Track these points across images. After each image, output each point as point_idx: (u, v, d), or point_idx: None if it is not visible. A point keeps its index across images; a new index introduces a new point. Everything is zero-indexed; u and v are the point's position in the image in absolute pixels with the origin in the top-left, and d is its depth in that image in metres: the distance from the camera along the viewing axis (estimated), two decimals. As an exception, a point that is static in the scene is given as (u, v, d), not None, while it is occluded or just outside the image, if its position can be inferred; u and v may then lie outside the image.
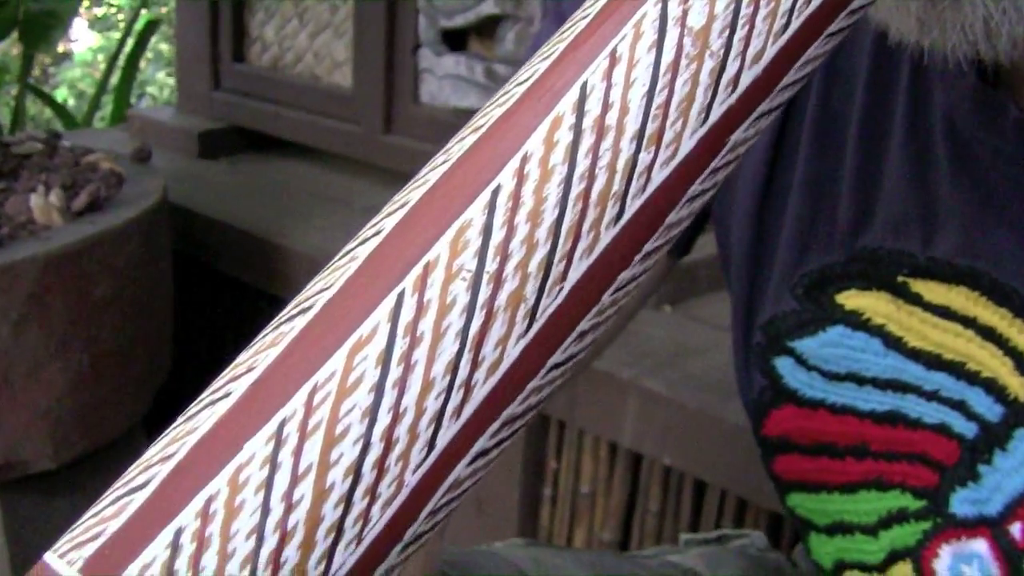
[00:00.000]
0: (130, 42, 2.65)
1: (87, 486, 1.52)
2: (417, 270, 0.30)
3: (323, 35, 1.97)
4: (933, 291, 0.57)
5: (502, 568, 0.71)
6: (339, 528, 0.29)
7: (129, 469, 0.31)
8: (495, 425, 0.31)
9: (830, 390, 0.62)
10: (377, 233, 0.32)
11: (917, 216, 0.58)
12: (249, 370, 0.30)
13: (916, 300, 0.59)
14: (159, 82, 4.43)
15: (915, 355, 0.59)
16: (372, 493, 0.29)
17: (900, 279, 0.59)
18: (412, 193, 0.32)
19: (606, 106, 0.32)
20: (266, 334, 0.32)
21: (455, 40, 1.76)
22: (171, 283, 1.60)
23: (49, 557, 0.29)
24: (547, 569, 0.72)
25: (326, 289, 0.31)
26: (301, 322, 0.31)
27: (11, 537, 1.43)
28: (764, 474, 1.16)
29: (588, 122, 0.31)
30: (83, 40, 4.81)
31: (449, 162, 0.32)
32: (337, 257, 0.33)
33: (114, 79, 2.71)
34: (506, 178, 0.31)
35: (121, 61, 2.61)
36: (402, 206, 0.32)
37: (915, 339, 0.59)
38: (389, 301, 0.30)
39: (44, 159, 1.59)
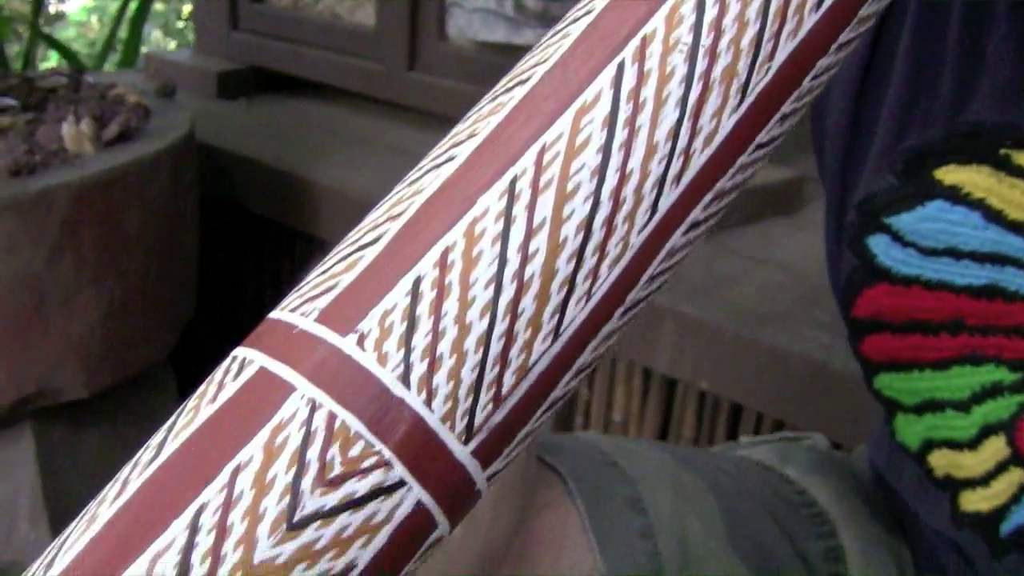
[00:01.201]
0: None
1: (116, 417, 1.52)
2: (635, 43, 0.31)
3: (344, -26, 1.96)
4: None
5: (583, 448, 0.71)
6: (571, 283, 0.29)
7: (350, 235, 0.31)
8: (708, 196, 0.32)
9: (926, 265, 0.62)
10: (588, 12, 0.32)
11: (1022, 88, 0.58)
12: (471, 136, 0.31)
13: (1019, 172, 0.59)
14: (154, 40, 4.40)
15: (1016, 227, 0.59)
16: (601, 251, 0.30)
17: (1002, 152, 0.59)
18: None
19: None
20: (482, 106, 0.32)
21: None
22: (197, 218, 1.59)
23: (277, 314, 0.29)
24: (625, 449, 0.72)
25: (542, 63, 0.31)
26: (520, 92, 0.31)
27: (42, 466, 1.43)
28: (801, 397, 1.17)
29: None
30: (76, 0, 4.79)
31: None
32: (547, 37, 0.33)
33: (120, 32, 2.70)
34: None
35: (130, 11, 2.60)
36: None
37: (1016, 211, 0.59)
38: (610, 70, 0.30)
39: (69, 93, 1.59)
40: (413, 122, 1.88)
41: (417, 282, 0.29)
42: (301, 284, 0.31)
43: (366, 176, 1.67)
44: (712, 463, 0.76)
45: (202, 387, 0.29)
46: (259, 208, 1.75)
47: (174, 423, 0.28)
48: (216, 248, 1.76)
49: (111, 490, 0.28)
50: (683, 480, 0.71)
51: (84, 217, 1.33)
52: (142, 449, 0.28)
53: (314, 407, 0.27)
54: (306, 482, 0.27)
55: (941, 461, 0.65)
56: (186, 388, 1.59)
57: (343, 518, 0.27)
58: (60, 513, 1.46)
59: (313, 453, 0.27)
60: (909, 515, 0.74)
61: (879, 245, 0.64)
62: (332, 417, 0.27)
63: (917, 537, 0.74)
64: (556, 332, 0.29)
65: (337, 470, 0.27)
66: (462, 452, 0.28)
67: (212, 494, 0.26)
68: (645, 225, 0.30)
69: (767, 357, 1.21)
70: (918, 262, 0.63)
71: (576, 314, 0.30)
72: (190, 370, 1.71)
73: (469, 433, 0.28)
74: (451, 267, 0.29)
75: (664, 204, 0.31)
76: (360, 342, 0.28)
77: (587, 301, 0.30)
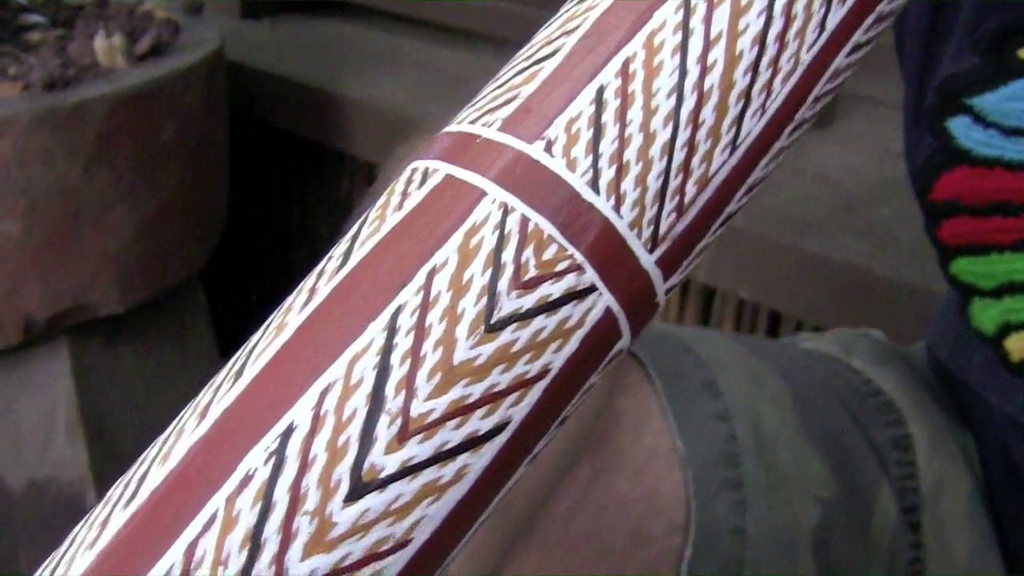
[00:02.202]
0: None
1: (149, 333, 1.52)
2: None
3: None
4: None
5: (657, 334, 0.71)
6: (747, 96, 0.29)
7: (521, 52, 0.31)
8: (871, 17, 0.31)
9: (1008, 146, 0.62)
10: None
11: None
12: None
13: None
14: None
15: None
16: (774, 65, 0.30)
17: None
18: None
19: None
20: None
21: None
22: (227, 135, 1.59)
23: (453, 128, 0.29)
24: (698, 336, 0.73)
25: None
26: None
27: (78, 382, 1.43)
28: (841, 304, 1.17)
29: None
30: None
31: None
32: None
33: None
34: None
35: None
36: None
37: None
38: None
39: (97, 10, 1.58)
40: (439, 39, 1.86)
41: (600, 91, 0.28)
42: (474, 101, 0.30)
43: (393, 92, 1.66)
44: (781, 352, 0.76)
45: (382, 199, 0.29)
46: (286, 125, 1.75)
47: (357, 233, 0.28)
48: (243, 166, 1.75)
49: (297, 299, 0.28)
50: (754, 366, 0.71)
51: (119, 130, 1.33)
52: (325, 259, 0.28)
53: (506, 210, 0.27)
54: (502, 284, 0.27)
55: (1018, 344, 0.65)
56: (216, 306, 1.59)
57: (538, 321, 0.27)
58: (96, 428, 1.47)
59: (508, 255, 0.27)
60: (976, 404, 0.74)
61: (959, 127, 0.64)
62: (525, 220, 0.27)
63: (983, 427, 0.74)
64: (733, 144, 0.29)
65: (532, 272, 0.27)
66: (647, 260, 0.28)
67: (409, 296, 0.26)
68: (814, 43, 0.30)
69: (807, 264, 1.21)
70: (1000, 143, 0.62)
71: (752, 127, 0.30)
72: (219, 288, 1.71)
73: (654, 241, 0.28)
74: (633, 76, 0.29)
75: (831, 22, 0.30)
76: (548, 148, 0.28)
77: (761, 115, 0.30)
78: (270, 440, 0.25)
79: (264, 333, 0.28)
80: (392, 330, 0.26)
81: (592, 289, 0.27)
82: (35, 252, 1.32)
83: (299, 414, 0.26)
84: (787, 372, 0.72)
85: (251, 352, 0.27)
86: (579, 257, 0.27)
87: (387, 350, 0.26)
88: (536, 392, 0.27)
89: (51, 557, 0.27)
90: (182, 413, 0.28)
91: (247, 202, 1.84)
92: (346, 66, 1.78)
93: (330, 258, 0.28)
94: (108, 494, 0.27)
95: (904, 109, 0.68)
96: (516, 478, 0.28)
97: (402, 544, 0.26)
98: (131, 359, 1.51)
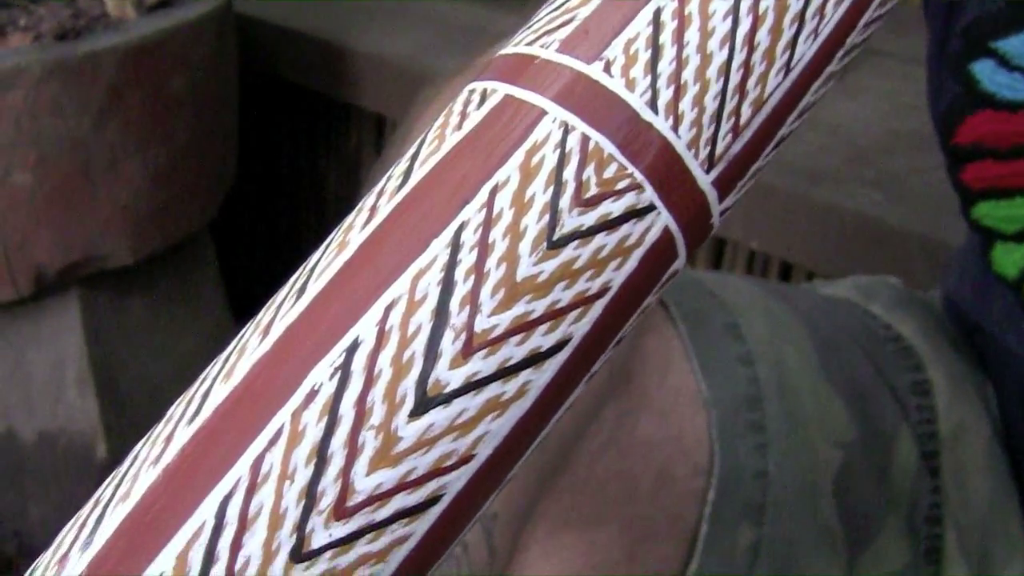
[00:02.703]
0: None
1: (159, 285, 1.52)
2: None
3: None
4: None
5: (680, 277, 0.71)
6: (801, 19, 0.29)
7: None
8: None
9: None
10: None
11: None
12: None
13: None
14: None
15: None
16: (828, -10, 0.30)
17: None
18: None
19: None
20: None
21: None
22: (237, 87, 1.58)
23: (509, 50, 0.29)
24: (719, 280, 0.73)
25: None
26: None
27: (89, 333, 1.44)
28: (854, 254, 1.17)
29: None
30: None
31: None
32: None
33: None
34: None
35: None
36: None
37: None
38: None
39: (105, -40, 1.57)
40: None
41: (658, 12, 0.28)
42: (529, 24, 0.30)
43: (402, 44, 1.66)
44: (801, 297, 0.76)
45: (440, 119, 0.29)
46: (295, 78, 1.74)
47: (417, 152, 0.28)
48: (252, 119, 1.75)
49: (358, 218, 0.28)
50: (776, 311, 0.71)
51: (130, 81, 1.32)
52: (384, 179, 0.28)
53: (567, 130, 0.27)
54: (564, 201, 0.27)
55: None
56: (225, 259, 1.60)
57: (599, 238, 0.27)
58: (106, 380, 1.47)
59: (569, 173, 0.27)
60: (996, 350, 0.74)
61: (984, 71, 0.64)
62: (585, 139, 0.27)
63: (1002, 372, 0.74)
64: (788, 67, 0.29)
65: (593, 190, 0.27)
66: (704, 180, 0.28)
67: (471, 213, 0.27)
68: None
69: (819, 214, 1.21)
70: None
71: (805, 51, 0.30)
72: (229, 240, 1.71)
73: (711, 162, 0.28)
74: None
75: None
76: (607, 68, 0.28)
77: (815, 38, 0.30)
78: (335, 355, 0.26)
79: (325, 252, 0.28)
80: (456, 246, 0.26)
81: (651, 208, 0.28)
82: (46, 204, 1.32)
83: (364, 330, 0.26)
84: (808, 317, 0.73)
85: (312, 270, 0.27)
86: (639, 176, 0.27)
87: (451, 266, 0.26)
88: (596, 310, 0.27)
89: (113, 474, 0.27)
90: (243, 331, 0.28)
91: (256, 155, 1.84)
92: (355, 19, 1.77)
93: (389, 178, 0.28)
94: (169, 412, 0.28)
95: (927, 54, 0.68)
96: (574, 396, 0.28)
97: (465, 459, 0.26)
98: (141, 311, 1.51)
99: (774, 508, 0.66)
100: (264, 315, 0.27)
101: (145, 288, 1.50)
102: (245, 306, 1.69)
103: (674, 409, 0.64)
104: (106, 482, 0.27)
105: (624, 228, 0.27)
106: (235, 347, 0.27)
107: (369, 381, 0.25)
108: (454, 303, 0.26)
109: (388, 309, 0.26)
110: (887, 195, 1.22)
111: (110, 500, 0.26)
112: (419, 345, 0.26)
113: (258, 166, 1.84)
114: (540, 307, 0.26)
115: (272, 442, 0.25)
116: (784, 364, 0.68)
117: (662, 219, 0.28)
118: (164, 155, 1.41)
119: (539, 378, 0.27)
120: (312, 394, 0.25)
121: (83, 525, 0.26)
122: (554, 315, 0.26)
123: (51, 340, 1.45)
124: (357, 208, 0.28)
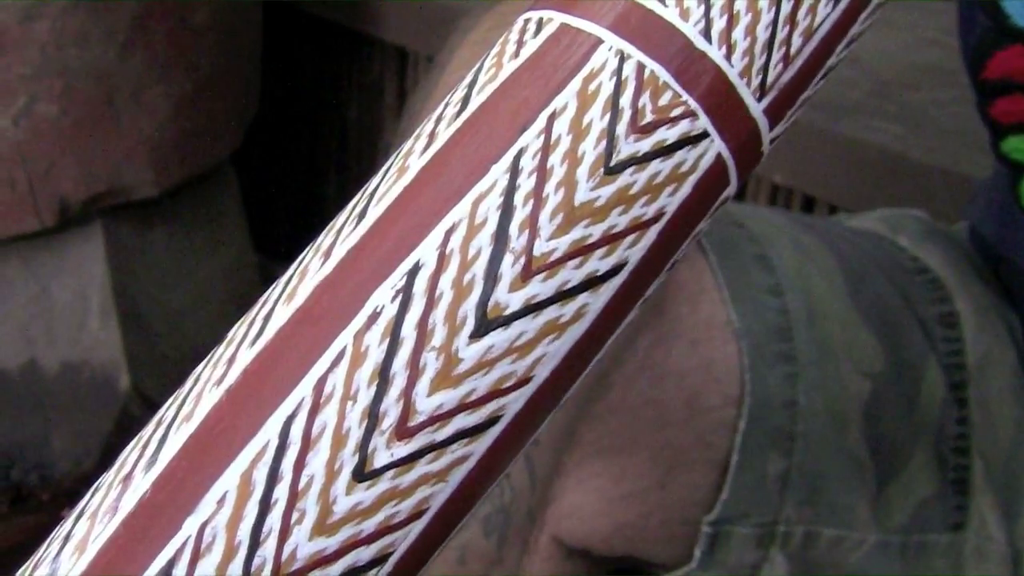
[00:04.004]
0: None
1: (182, 217, 1.53)
2: None
3: None
4: None
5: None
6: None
7: None
8: None
9: None
10: None
11: None
12: None
13: None
14: None
15: None
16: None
17: None
18: None
19: None
20: None
21: None
22: (260, 19, 1.58)
23: None
24: (747, 211, 0.73)
25: None
26: None
27: (112, 265, 1.44)
28: (876, 188, 1.17)
29: None
30: None
31: None
32: None
33: None
34: None
35: None
36: None
37: None
38: None
39: None
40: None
41: None
42: None
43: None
44: (828, 228, 0.76)
45: (496, 48, 0.29)
46: (318, 10, 1.73)
47: (474, 80, 0.29)
48: (275, 51, 1.75)
49: (416, 143, 0.28)
50: (804, 241, 0.72)
51: (154, 11, 1.32)
52: (441, 106, 0.29)
53: (623, 58, 0.28)
54: (620, 128, 0.27)
55: None
56: (248, 191, 1.60)
57: (655, 164, 0.27)
58: (129, 311, 1.48)
59: (625, 100, 0.27)
60: (1021, 281, 0.74)
61: (1014, 5, 0.63)
62: (641, 67, 0.28)
63: (1028, 305, 0.75)
64: (837, -3, 0.30)
65: (649, 117, 0.27)
66: (756, 108, 0.29)
67: (530, 139, 0.27)
68: None
69: (841, 147, 1.21)
70: None
71: None
72: (251, 172, 1.71)
73: (762, 90, 0.29)
74: None
75: None
76: (661, -2, 0.28)
77: None
78: (397, 278, 0.26)
79: (384, 177, 0.28)
80: (515, 172, 0.27)
81: (705, 135, 0.28)
82: (71, 133, 1.32)
83: (425, 253, 0.26)
84: (835, 247, 0.73)
85: (372, 195, 0.28)
86: (693, 103, 0.28)
87: (510, 191, 0.27)
88: (652, 234, 0.28)
89: (175, 395, 0.28)
90: (303, 255, 0.28)
91: (279, 87, 1.84)
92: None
93: (447, 104, 0.29)
94: (230, 334, 0.28)
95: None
96: (628, 320, 0.29)
97: (524, 381, 0.27)
98: (164, 242, 1.51)
99: (803, 438, 0.66)
100: (324, 239, 0.28)
101: (168, 219, 1.51)
102: (266, 237, 1.69)
103: (705, 338, 0.64)
104: (168, 403, 0.28)
105: (679, 155, 0.28)
106: (295, 270, 0.28)
107: (430, 303, 0.26)
108: (514, 227, 0.26)
109: (449, 233, 0.26)
110: (909, 128, 1.22)
111: (173, 420, 0.27)
112: (479, 268, 0.26)
113: (280, 98, 1.84)
114: (597, 232, 0.27)
115: (335, 363, 0.26)
116: (813, 294, 0.69)
117: (715, 146, 0.28)
118: (188, 85, 1.41)
119: (595, 301, 0.27)
120: (374, 316, 0.26)
121: (146, 445, 0.27)
122: (611, 240, 0.27)
123: (74, 271, 1.46)
124: (415, 134, 0.29)
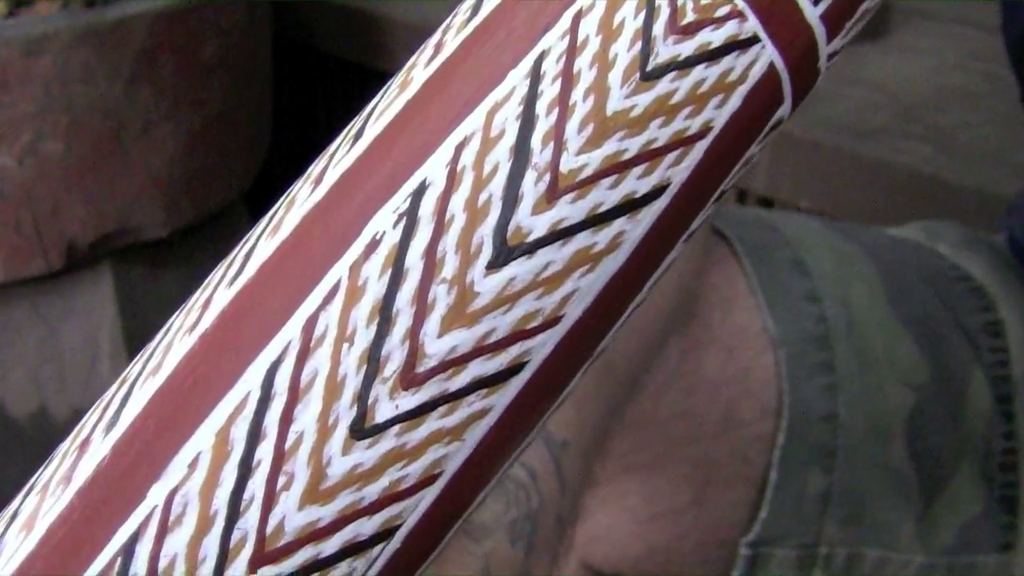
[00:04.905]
0: None
1: (194, 257, 1.50)
2: None
3: None
4: None
5: (743, 213, 0.68)
6: None
7: None
8: None
9: None
10: None
11: None
12: None
13: None
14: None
15: None
16: None
17: None
18: None
19: None
20: None
21: None
22: (270, 55, 1.55)
23: None
24: (783, 217, 0.69)
25: None
26: None
27: (122, 306, 1.41)
28: (906, 210, 1.13)
29: None
30: None
31: None
32: None
33: None
34: None
35: None
36: None
37: None
38: None
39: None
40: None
41: None
42: None
43: (438, 12, 1.62)
44: (867, 235, 0.73)
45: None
46: (330, 47, 1.71)
47: None
48: (287, 89, 1.72)
49: (421, 56, 0.24)
50: (841, 247, 0.68)
51: (161, 47, 1.29)
52: (451, 16, 0.25)
53: (659, -53, 0.24)
54: (658, 27, 0.23)
55: None
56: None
57: (699, 71, 0.23)
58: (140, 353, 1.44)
59: (662, -4, 0.23)
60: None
61: None
62: (680, -42, 0.24)
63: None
64: None
65: (690, 16, 0.23)
66: (812, 13, 0.25)
67: (553, 40, 0.23)
68: None
69: (868, 170, 1.18)
70: None
71: None
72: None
73: None
74: None
75: None
76: None
77: None
78: (399, 200, 0.22)
79: (384, 95, 0.24)
80: (536, 77, 0.23)
81: (755, 40, 0.24)
82: (78, 172, 1.29)
83: (432, 171, 0.22)
84: (874, 254, 0.69)
85: (371, 114, 0.24)
86: (740, 2, 0.24)
87: (531, 99, 0.23)
88: (697, 152, 0.24)
89: (144, 349, 0.24)
90: (292, 186, 0.24)
91: (291, 125, 1.81)
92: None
93: (456, 13, 0.25)
94: (208, 278, 0.24)
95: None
96: (672, 258, 0.25)
97: (552, 321, 0.23)
98: (175, 285, 1.48)
99: (844, 453, 0.62)
100: (315, 166, 0.24)
101: (179, 260, 1.48)
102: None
103: (740, 346, 0.60)
104: (136, 358, 0.24)
105: (726, 61, 0.24)
106: (283, 201, 0.24)
107: (439, 228, 0.22)
108: (536, 140, 0.22)
109: (460, 148, 0.22)
110: (937, 149, 1.18)
111: (138, 376, 0.23)
112: (496, 187, 0.22)
113: (293, 137, 1.82)
114: (634, 146, 0.23)
115: (327, 299, 0.22)
116: (852, 302, 0.65)
117: (767, 53, 0.24)
118: (197, 122, 1.38)
119: (634, 229, 0.23)
120: (373, 244, 0.22)
121: (107, 406, 0.23)
122: (650, 156, 0.23)
123: (84, 315, 1.43)
124: (422, 47, 0.25)
